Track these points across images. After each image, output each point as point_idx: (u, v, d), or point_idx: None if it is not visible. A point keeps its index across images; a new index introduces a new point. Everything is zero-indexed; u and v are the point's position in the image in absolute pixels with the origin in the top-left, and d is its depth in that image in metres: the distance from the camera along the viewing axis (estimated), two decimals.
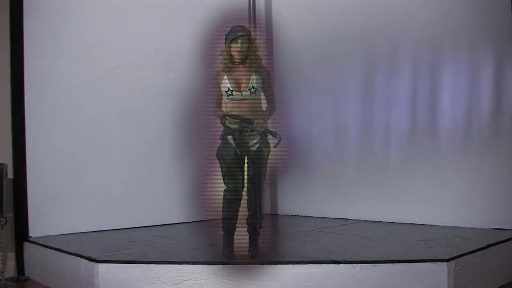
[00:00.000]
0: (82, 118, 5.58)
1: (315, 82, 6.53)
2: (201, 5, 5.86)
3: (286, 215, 6.78)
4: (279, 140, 4.03)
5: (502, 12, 5.05)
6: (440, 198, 5.41)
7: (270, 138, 4.06)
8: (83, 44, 5.60)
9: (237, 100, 4.03)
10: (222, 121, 4.02)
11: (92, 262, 4.06)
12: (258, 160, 4.04)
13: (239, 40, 4.00)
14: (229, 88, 4.01)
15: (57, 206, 5.35)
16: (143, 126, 5.96)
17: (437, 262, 3.75)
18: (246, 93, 4.02)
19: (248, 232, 4.15)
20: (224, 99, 4.09)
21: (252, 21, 6.71)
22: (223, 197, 4.09)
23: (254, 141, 4.03)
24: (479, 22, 5.24)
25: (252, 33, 4.10)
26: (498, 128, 5.15)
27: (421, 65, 5.64)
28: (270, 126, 4.07)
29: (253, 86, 4.01)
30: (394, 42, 5.81)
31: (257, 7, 6.85)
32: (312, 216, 6.45)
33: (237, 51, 4.01)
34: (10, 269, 5.01)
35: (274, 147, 4.05)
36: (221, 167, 4.06)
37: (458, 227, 5.21)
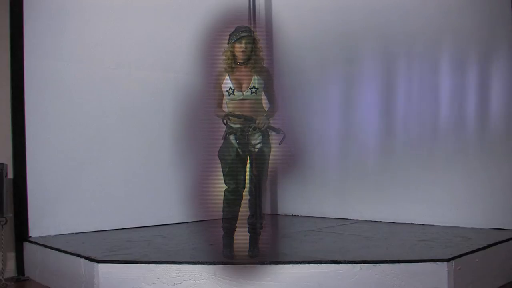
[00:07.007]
0: (82, 118, 5.58)
1: (315, 82, 6.53)
2: (201, 5, 5.86)
3: (286, 215, 6.78)
4: (284, 137, 4.03)
5: (502, 12, 5.05)
6: (440, 198, 5.41)
7: (274, 136, 4.05)
8: (83, 44, 5.60)
9: (238, 99, 4.02)
10: (225, 121, 4.02)
11: (92, 262, 4.06)
12: (260, 160, 4.04)
13: (243, 40, 4.00)
14: (230, 87, 4.01)
15: (57, 206, 5.35)
16: (143, 126, 5.97)
17: (437, 262, 3.75)
18: (247, 93, 4.02)
19: (248, 232, 4.15)
20: (225, 99, 4.09)
21: (252, 21, 6.70)
22: (224, 197, 4.09)
23: (257, 141, 4.02)
24: (478, 22, 5.24)
25: (256, 34, 4.09)
26: (497, 128, 5.15)
27: (420, 65, 5.64)
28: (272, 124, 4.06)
29: (254, 86, 4.01)
30: (393, 42, 5.81)
31: (257, 7, 6.85)
32: (312, 216, 6.45)
33: (241, 51, 4.01)
34: (10, 269, 5.01)
35: (279, 144, 4.04)
36: (222, 167, 4.06)
37: (458, 227, 5.22)
